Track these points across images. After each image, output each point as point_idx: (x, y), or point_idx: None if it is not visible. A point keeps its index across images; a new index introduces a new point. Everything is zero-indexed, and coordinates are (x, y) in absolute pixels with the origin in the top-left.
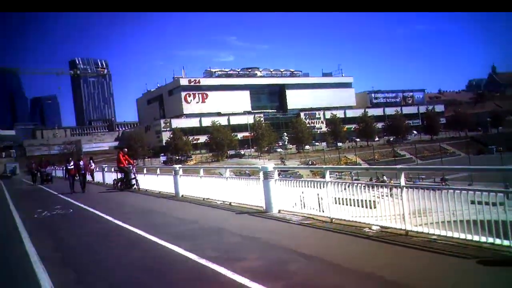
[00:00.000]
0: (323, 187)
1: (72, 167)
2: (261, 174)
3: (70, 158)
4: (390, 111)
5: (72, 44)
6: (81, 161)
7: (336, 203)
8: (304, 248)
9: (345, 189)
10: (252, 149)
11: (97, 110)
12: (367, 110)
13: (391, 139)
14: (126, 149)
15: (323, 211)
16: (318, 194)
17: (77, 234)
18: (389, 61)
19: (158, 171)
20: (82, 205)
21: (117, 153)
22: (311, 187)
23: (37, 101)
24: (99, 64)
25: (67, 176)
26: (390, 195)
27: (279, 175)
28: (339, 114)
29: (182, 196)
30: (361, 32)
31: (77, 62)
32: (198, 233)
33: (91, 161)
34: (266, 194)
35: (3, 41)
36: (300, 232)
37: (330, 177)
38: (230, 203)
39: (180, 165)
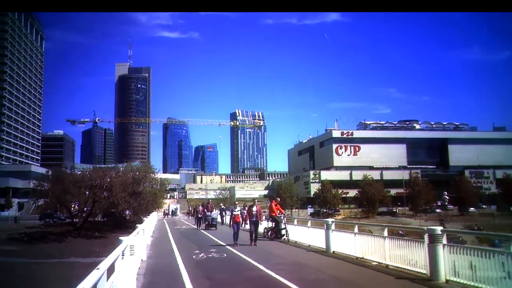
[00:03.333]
0: (505, 257)
1: (238, 213)
2: (426, 236)
3: (237, 202)
4: None
5: (233, 97)
6: (254, 206)
7: None
8: None
9: None
10: (407, 208)
11: (251, 159)
12: None
13: None
14: (278, 199)
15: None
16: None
17: (231, 281)
18: None
19: (309, 224)
20: (235, 251)
21: (270, 202)
22: (487, 257)
23: (200, 149)
24: (256, 116)
25: (231, 223)
26: None
27: None
28: None
29: (333, 252)
30: None
31: (237, 114)
32: None
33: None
34: (432, 260)
35: (178, 97)
36: None
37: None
38: (387, 265)
39: (332, 219)
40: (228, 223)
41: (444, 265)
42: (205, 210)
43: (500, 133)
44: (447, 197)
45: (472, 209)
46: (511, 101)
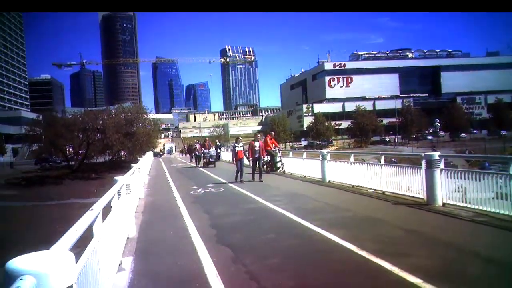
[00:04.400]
0: (501, 179)
1: (241, 148)
2: (423, 162)
3: (240, 138)
4: None
5: (223, 33)
6: (257, 141)
7: None
8: (488, 250)
9: None
10: (399, 136)
11: (243, 96)
12: None
13: None
14: (273, 133)
15: (503, 208)
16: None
17: (230, 213)
18: None
19: (304, 155)
20: (231, 185)
21: (264, 136)
22: (480, 180)
23: (191, 88)
24: (247, 52)
25: (234, 160)
26: None
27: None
28: (506, 98)
29: (329, 181)
30: None
31: (227, 50)
32: (353, 222)
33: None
34: (429, 185)
35: (165, 36)
36: (473, 230)
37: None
38: (384, 192)
39: (327, 150)
40: (232, 159)
41: (441, 190)
42: (203, 147)
43: (493, 58)
44: (439, 124)
45: (463, 134)
46: (504, 25)
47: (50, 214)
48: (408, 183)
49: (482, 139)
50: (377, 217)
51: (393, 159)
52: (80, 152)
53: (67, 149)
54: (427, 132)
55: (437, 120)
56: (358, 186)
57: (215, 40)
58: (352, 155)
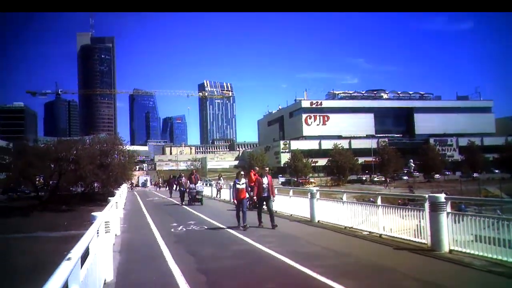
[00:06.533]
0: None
1: (243, 186)
2: (426, 205)
3: (242, 173)
4: None
5: (202, 68)
6: (265, 177)
7: None
8: None
9: None
10: (375, 175)
11: (220, 130)
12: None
13: None
14: (257, 168)
15: None
16: None
17: (218, 256)
18: None
19: (291, 193)
20: (216, 223)
21: (248, 172)
22: (494, 225)
23: (168, 121)
24: (225, 87)
25: (234, 199)
26: None
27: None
28: (476, 141)
29: (318, 221)
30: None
31: (205, 85)
32: (359, 269)
33: (221, 178)
34: (434, 229)
35: (144, 68)
36: (494, 283)
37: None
38: (380, 235)
39: (317, 188)
40: (231, 199)
41: (448, 235)
42: (188, 181)
43: (463, 102)
44: (413, 165)
45: (437, 175)
46: (474, 71)
47: (15, 248)
48: (408, 226)
49: (456, 180)
50: (383, 264)
51: (371, 199)
52: (50, 183)
53: (38, 179)
54: (401, 172)
55: (411, 160)
56: (352, 227)
57: (194, 74)
58: (345, 194)
